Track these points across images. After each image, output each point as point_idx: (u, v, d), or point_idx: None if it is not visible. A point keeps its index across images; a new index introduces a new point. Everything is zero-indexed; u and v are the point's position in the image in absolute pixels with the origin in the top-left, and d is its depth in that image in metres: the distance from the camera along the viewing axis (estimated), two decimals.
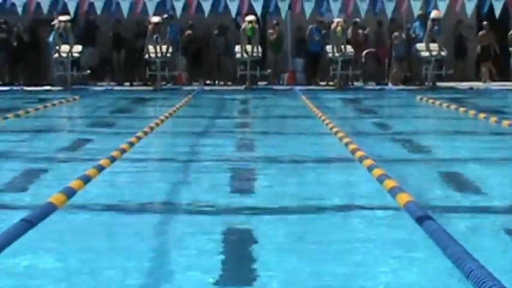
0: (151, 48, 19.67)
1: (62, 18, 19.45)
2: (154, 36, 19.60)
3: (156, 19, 19.60)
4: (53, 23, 19.93)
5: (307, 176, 6.81)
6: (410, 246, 4.35)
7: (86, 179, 6.11)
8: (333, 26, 19.65)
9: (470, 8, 20.16)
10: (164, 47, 19.78)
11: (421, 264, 4.02)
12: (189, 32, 20.86)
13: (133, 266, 3.99)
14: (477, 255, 3.76)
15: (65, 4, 20.04)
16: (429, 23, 19.62)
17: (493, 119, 11.28)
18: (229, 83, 20.74)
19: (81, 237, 4.62)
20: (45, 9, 20.10)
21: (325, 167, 7.43)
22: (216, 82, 21.28)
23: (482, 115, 11.89)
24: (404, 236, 4.58)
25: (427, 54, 19.76)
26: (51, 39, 19.95)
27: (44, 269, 3.94)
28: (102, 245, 4.45)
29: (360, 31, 20.93)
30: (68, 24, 19.42)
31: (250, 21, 19.50)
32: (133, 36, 20.68)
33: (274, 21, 21.00)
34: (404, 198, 5.27)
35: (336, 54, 19.71)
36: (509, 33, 20.37)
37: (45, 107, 14.11)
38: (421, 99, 15.65)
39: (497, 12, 19.98)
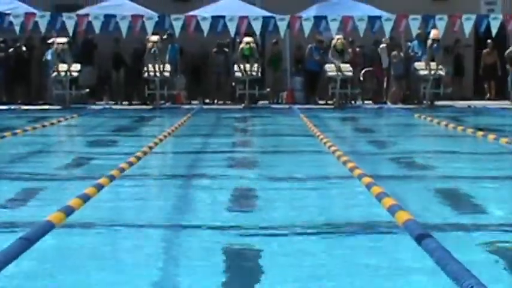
0: (150, 67, 19.74)
1: (60, 40, 19.47)
2: (153, 50, 19.63)
3: (154, 38, 19.66)
4: (49, 41, 19.96)
5: (305, 194, 6.80)
6: (409, 265, 4.34)
7: (85, 198, 6.10)
8: (333, 41, 19.78)
9: (468, 27, 20.26)
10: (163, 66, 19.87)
11: (421, 282, 4.01)
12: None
13: (131, 284, 3.98)
14: (476, 272, 3.76)
15: (63, 23, 20.10)
16: (429, 42, 19.72)
17: (491, 137, 11.30)
18: (228, 102, 20.78)
19: (77, 256, 4.61)
20: (43, 28, 20.15)
21: (324, 185, 7.42)
22: (215, 101, 21.33)
23: (480, 133, 11.91)
24: (403, 254, 4.57)
25: (425, 72, 19.84)
26: (49, 57, 19.96)
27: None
28: (99, 263, 4.43)
29: (358, 49, 21.02)
30: (66, 46, 19.45)
31: (247, 42, 19.60)
32: (133, 55, 20.74)
33: (273, 40, 21.09)
34: (404, 216, 5.26)
35: (335, 73, 19.78)
36: (506, 52, 20.48)
37: (44, 126, 14.10)
38: (420, 117, 15.68)
39: (494, 31, 20.10)
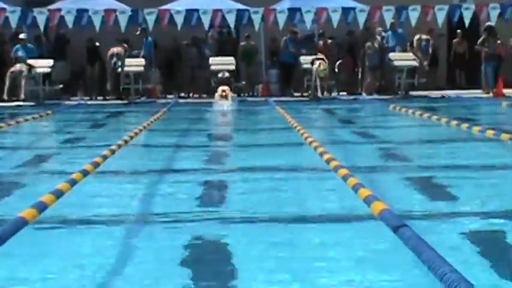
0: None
1: (18, 67, 19.13)
2: (113, 62, 19.50)
3: (116, 49, 19.47)
4: (21, 36, 19.75)
5: (282, 186, 6.79)
6: (385, 254, 4.36)
7: (58, 193, 6.05)
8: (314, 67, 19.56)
9: (441, 17, 20.40)
10: (137, 60, 19.81)
11: (396, 271, 4.03)
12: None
13: (102, 276, 3.96)
14: (451, 260, 3.79)
15: (34, 18, 19.91)
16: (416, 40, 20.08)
17: (464, 125, 11.39)
18: (204, 95, 20.73)
19: (52, 250, 4.58)
20: (13, 24, 19.95)
21: (300, 177, 7.42)
22: (190, 94, 21.28)
23: (454, 122, 12.00)
24: (379, 244, 4.58)
25: (399, 63, 19.97)
26: (20, 53, 19.71)
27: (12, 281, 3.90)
28: (73, 257, 4.40)
29: (330, 41, 21.07)
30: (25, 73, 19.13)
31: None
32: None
33: (246, 34, 21.05)
34: (379, 206, 5.27)
35: (310, 65, 19.82)
36: (478, 42, 20.65)
37: (18, 122, 13.99)
38: (395, 108, 15.75)
39: (467, 21, 20.26)
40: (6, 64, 20.09)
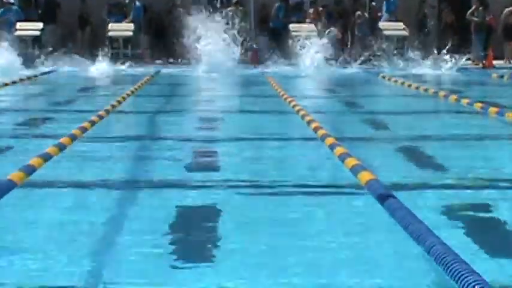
0: (111, 26, 19.56)
1: None
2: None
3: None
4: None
5: (269, 154, 6.81)
6: (371, 224, 4.39)
7: (47, 157, 6.05)
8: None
9: None
10: (126, 25, 19.68)
11: (381, 242, 4.06)
12: None
13: (89, 239, 3.98)
14: (438, 231, 3.82)
15: None
16: None
17: (453, 97, 11.42)
18: (193, 61, 20.58)
19: (39, 213, 4.59)
20: None
21: (288, 145, 7.44)
22: (180, 60, 21.16)
23: (442, 93, 12.03)
24: (365, 214, 4.61)
25: (389, 33, 19.94)
26: (6, 16, 19.59)
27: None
28: (60, 223, 4.42)
29: (321, 9, 20.98)
30: None
31: None
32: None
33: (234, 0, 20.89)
34: (366, 176, 5.29)
35: (299, 33, 19.75)
36: (468, 12, 20.63)
37: (6, 84, 13.91)
38: (384, 77, 15.75)
39: None
40: None
